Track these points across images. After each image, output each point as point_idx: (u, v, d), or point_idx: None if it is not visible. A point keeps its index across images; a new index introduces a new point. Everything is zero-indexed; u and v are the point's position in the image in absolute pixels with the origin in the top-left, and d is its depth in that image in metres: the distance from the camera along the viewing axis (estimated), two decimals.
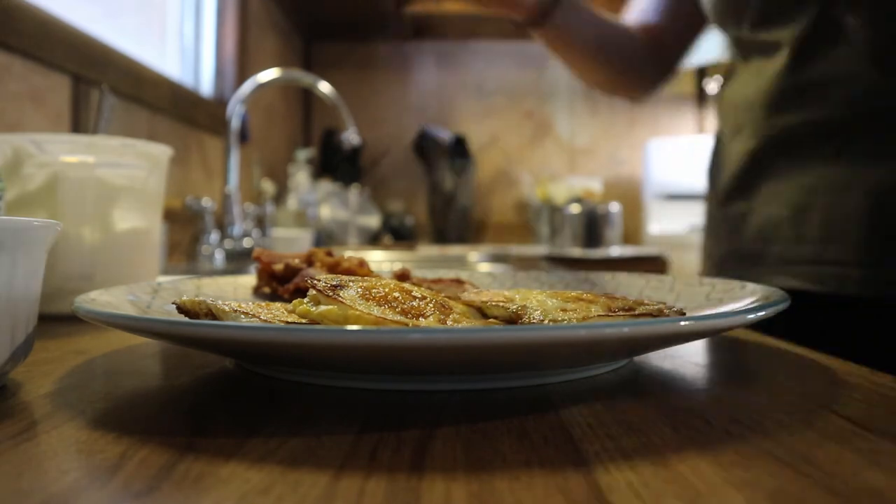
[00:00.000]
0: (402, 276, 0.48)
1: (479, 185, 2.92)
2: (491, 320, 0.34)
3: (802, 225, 0.64)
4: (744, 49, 0.71)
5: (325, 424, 0.25)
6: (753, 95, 0.69)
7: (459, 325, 0.31)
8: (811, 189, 0.63)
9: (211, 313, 0.32)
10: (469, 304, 0.35)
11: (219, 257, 1.35)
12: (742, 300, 0.36)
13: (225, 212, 1.40)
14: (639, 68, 0.87)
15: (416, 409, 0.26)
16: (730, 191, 0.72)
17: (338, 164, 2.61)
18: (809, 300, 0.62)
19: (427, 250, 2.22)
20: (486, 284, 0.52)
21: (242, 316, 0.31)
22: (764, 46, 0.67)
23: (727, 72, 0.77)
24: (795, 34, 0.63)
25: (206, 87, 1.91)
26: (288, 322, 0.32)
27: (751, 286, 0.38)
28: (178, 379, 0.33)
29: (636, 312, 0.33)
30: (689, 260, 2.26)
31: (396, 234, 2.64)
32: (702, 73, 2.83)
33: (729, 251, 0.72)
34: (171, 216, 1.30)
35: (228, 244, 1.38)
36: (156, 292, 0.41)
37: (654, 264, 2.27)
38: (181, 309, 0.33)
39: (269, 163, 2.31)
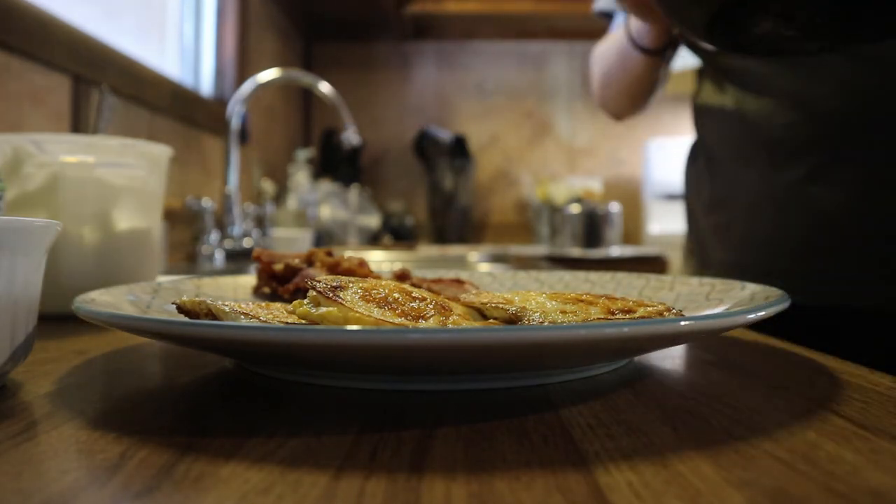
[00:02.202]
0: (402, 277, 0.48)
1: (479, 185, 2.92)
2: (490, 321, 0.34)
3: (783, 241, 0.66)
4: (711, 68, 0.73)
5: (325, 424, 0.25)
6: (724, 109, 0.71)
7: (459, 326, 0.31)
8: (793, 208, 0.65)
9: (211, 313, 0.32)
10: (469, 306, 0.35)
11: (219, 257, 1.35)
12: (742, 300, 0.36)
13: (225, 212, 1.40)
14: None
15: (416, 409, 0.26)
16: (714, 200, 0.74)
17: (338, 164, 2.61)
18: (792, 314, 0.65)
19: (427, 250, 2.22)
20: (486, 284, 0.52)
21: (242, 316, 0.31)
22: (732, 70, 0.69)
23: (698, 81, 0.79)
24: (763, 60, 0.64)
25: (206, 87, 1.91)
26: (288, 322, 0.32)
27: (751, 286, 0.38)
28: (178, 379, 0.33)
29: (636, 315, 0.33)
30: None
31: (396, 234, 2.64)
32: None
33: (714, 260, 0.74)
34: (171, 216, 1.30)
35: (228, 244, 1.38)
36: (156, 292, 0.41)
37: (654, 264, 2.26)
38: (181, 309, 0.33)
39: (269, 163, 2.30)
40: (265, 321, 0.31)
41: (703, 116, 0.75)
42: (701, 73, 0.78)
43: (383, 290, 0.32)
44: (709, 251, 0.75)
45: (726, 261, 0.72)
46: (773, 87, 0.65)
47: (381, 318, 0.29)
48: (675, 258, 2.30)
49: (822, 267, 0.64)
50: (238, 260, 1.37)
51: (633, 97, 0.88)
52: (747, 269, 0.69)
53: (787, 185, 0.65)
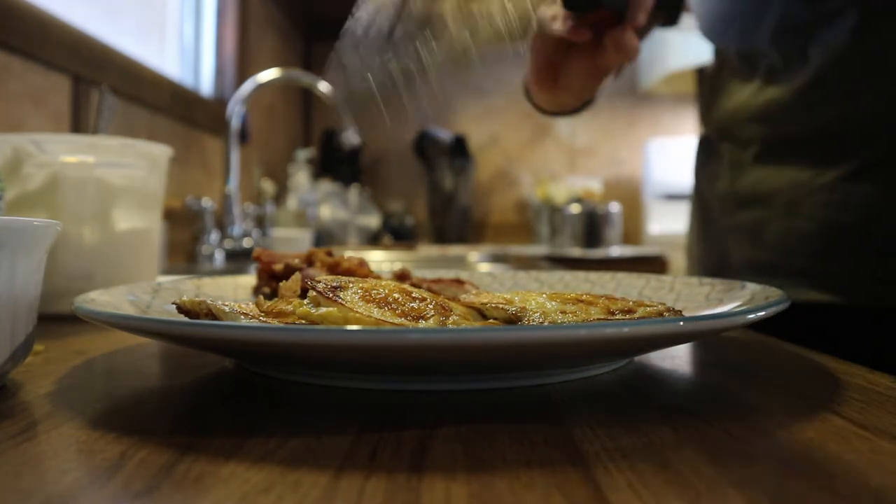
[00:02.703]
0: (402, 277, 0.48)
1: (479, 185, 2.92)
2: (490, 321, 0.34)
3: (832, 239, 0.62)
4: (751, 61, 0.69)
5: (325, 424, 0.25)
6: (761, 105, 0.67)
7: (459, 326, 0.31)
8: (838, 205, 0.62)
9: (211, 313, 0.32)
10: (469, 306, 0.35)
11: (219, 257, 1.35)
12: (742, 300, 0.36)
13: (225, 212, 1.40)
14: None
15: (416, 409, 0.26)
16: (740, 199, 0.70)
17: (338, 164, 2.61)
18: (838, 313, 0.62)
19: (427, 250, 2.22)
20: (486, 284, 0.52)
21: (242, 316, 0.31)
22: (786, 59, 0.65)
23: (715, 77, 0.76)
24: (827, 47, 0.61)
25: (206, 87, 1.91)
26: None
27: (751, 286, 0.38)
28: (178, 379, 0.33)
29: (636, 315, 0.33)
30: None
31: (396, 234, 2.64)
32: (701, 73, 2.83)
33: (738, 260, 0.70)
34: (171, 216, 1.30)
35: (228, 244, 1.38)
36: (156, 292, 0.41)
37: (654, 264, 2.26)
38: (181, 309, 0.33)
39: (269, 163, 2.30)
40: (265, 321, 0.31)
41: (726, 114, 0.72)
42: (720, 71, 0.74)
43: (383, 290, 0.32)
44: (730, 252, 0.72)
45: (755, 261, 0.68)
46: (825, 79, 0.62)
47: (381, 318, 0.29)
48: (675, 258, 2.30)
49: (861, 266, 0.61)
50: (238, 260, 1.37)
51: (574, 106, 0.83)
52: (781, 269, 0.65)
53: (832, 182, 0.62)
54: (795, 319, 0.53)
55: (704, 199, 0.78)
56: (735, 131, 0.71)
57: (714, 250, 0.75)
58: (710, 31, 0.73)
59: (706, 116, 0.77)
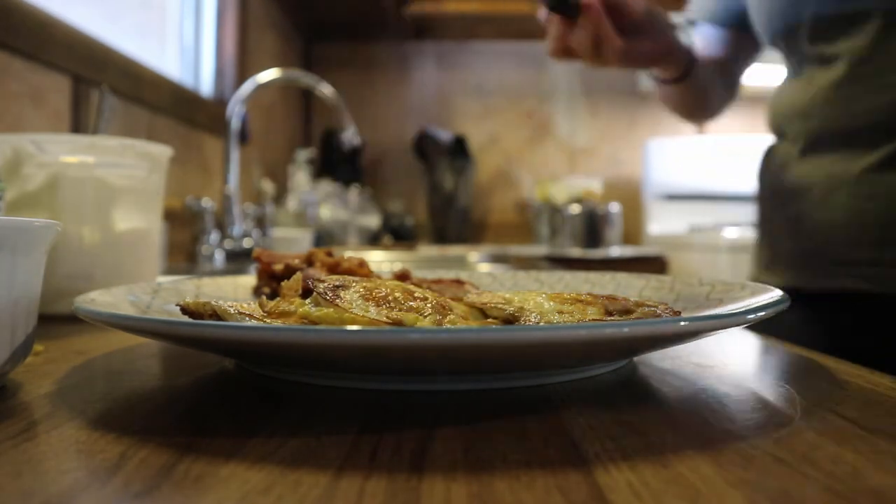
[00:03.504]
0: (403, 277, 0.48)
1: (479, 185, 2.92)
2: (490, 320, 0.34)
3: (859, 228, 0.66)
4: (797, 61, 0.74)
5: (325, 424, 0.25)
6: (805, 102, 0.72)
7: (457, 326, 0.31)
8: (864, 195, 0.65)
9: (215, 314, 0.32)
10: (470, 306, 0.35)
11: (219, 257, 1.35)
12: (742, 300, 0.36)
13: (225, 212, 1.40)
14: (715, 96, 0.91)
15: (416, 409, 0.26)
16: (787, 193, 0.75)
17: (338, 164, 2.61)
18: (867, 301, 0.66)
19: (427, 250, 2.21)
20: (486, 284, 0.52)
21: (247, 318, 0.31)
22: (821, 58, 0.69)
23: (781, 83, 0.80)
24: (855, 46, 0.65)
25: (206, 87, 1.91)
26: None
27: (751, 286, 0.38)
28: (178, 379, 0.33)
29: (633, 315, 0.33)
30: (689, 260, 2.25)
31: (396, 234, 2.64)
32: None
33: (784, 252, 0.75)
34: (171, 216, 1.30)
35: (228, 244, 1.38)
36: (156, 292, 0.41)
37: (654, 264, 2.26)
38: (185, 311, 0.33)
39: (269, 163, 2.30)
40: (268, 322, 0.31)
41: (780, 114, 0.77)
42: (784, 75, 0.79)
43: (385, 289, 0.32)
44: (778, 245, 0.77)
45: (796, 252, 0.73)
46: (854, 75, 0.66)
47: (377, 318, 0.29)
48: (675, 258, 2.30)
49: (886, 254, 0.64)
50: (238, 260, 1.37)
51: (691, 113, 0.94)
52: (819, 258, 0.70)
53: (859, 172, 0.66)
54: (832, 307, 0.61)
55: (763, 199, 0.84)
56: (786, 129, 0.76)
57: (768, 245, 0.81)
58: (762, 33, 0.78)
59: (769, 121, 0.82)
